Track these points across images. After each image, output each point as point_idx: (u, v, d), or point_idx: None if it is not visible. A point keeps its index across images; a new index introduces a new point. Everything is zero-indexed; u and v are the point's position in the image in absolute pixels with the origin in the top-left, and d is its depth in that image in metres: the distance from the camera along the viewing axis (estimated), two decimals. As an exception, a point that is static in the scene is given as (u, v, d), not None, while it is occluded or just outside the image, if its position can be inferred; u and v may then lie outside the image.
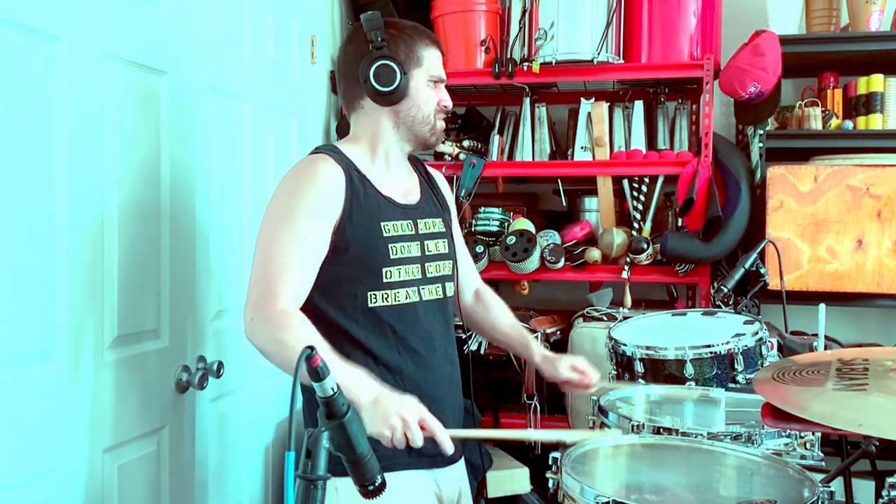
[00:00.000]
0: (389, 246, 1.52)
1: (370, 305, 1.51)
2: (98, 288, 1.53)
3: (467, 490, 1.70)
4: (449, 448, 1.32)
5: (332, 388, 0.98)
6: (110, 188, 1.57)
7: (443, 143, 2.67)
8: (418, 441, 1.28)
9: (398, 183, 1.61)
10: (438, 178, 1.78)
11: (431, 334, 1.58)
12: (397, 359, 1.52)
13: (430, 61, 1.58)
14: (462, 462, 1.67)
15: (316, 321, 1.42)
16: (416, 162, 1.73)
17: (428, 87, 1.58)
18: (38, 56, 1.38)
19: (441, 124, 1.62)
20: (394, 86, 1.52)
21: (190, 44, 1.82)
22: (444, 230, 1.66)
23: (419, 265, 1.57)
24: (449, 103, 1.61)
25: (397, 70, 1.51)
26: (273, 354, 1.39)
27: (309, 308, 1.46)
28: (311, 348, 0.94)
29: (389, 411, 1.28)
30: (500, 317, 1.82)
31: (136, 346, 1.65)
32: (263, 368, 2.17)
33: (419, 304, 1.56)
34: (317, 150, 1.58)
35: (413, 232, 1.58)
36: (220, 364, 1.86)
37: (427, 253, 1.59)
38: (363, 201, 1.51)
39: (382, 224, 1.53)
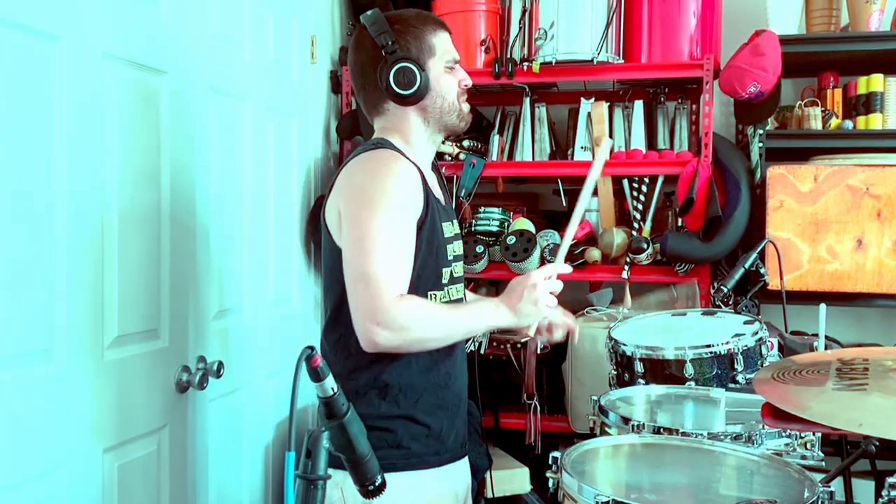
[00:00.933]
0: (447, 247, 1.55)
1: None
2: (98, 288, 1.53)
3: (470, 489, 1.71)
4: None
5: (332, 389, 0.98)
6: (110, 188, 1.57)
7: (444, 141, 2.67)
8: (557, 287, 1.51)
9: (434, 183, 1.61)
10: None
11: None
12: (435, 356, 1.53)
13: (441, 47, 1.56)
14: (466, 459, 1.68)
15: None
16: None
17: (446, 73, 1.57)
18: (38, 56, 1.38)
19: (466, 106, 1.61)
20: (416, 86, 1.51)
21: (190, 44, 1.82)
22: (459, 231, 1.67)
23: (455, 265, 1.60)
24: (468, 81, 1.60)
25: (416, 69, 1.50)
26: (417, 343, 1.44)
27: None
28: (311, 348, 0.94)
29: (531, 306, 1.46)
30: None
31: (137, 346, 1.65)
32: (263, 368, 2.18)
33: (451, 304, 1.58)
34: (378, 146, 1.53)
35: (454, 233, 1.61)
36: (220, 364, 1.86)
37: (456, 254, 1.61)
38: (433, 201, 1.52)
39: (443, 225, 1.55)
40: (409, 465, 1.49)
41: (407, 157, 1.52)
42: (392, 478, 1.38)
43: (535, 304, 1.46)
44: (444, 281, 1.54)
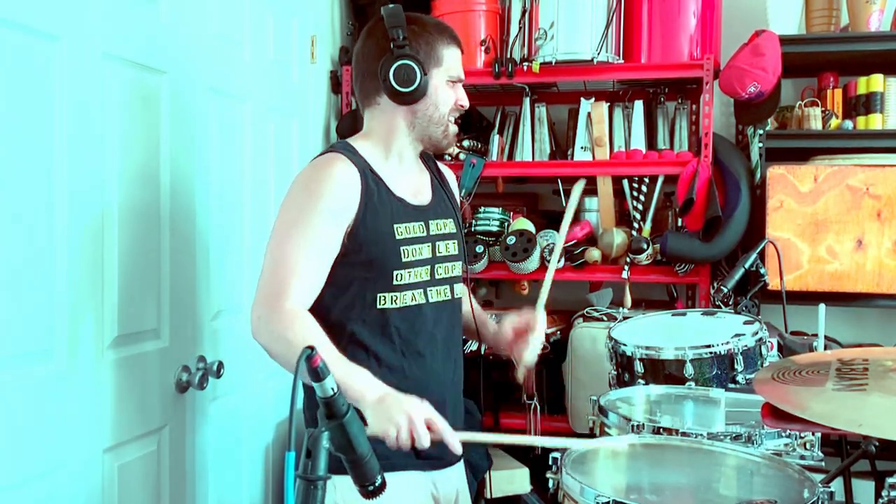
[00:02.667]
0: (402, 249, 1.52)
1: (378, 307, 1.51)
2: (98, 288, 1.53)
3: (465, 491, 1.69)
4: (457, 449, 1.32)
5: (332, 389, 0.98)
6: (110, 188, 1.57)
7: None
8: (424, 442, 1.28)
9: (410, 182, 1.60)
10: (450, 176, 1.77)
11: (435, 336, 1.57)
12: (400, 360, 1.52)
13: (449, 61, 1.57)
14: (461, 464, 1.66)
15: (321, 321, 1.42)
16: (427, 159, 1.71)
17: (447, 86, 1.57)
18: (38, 56, 1.38)
19: (454, 128, 1.60)
20: (414, 86, 1.51)
21: (190, 44, 1.82)
22: (454, 231, 1.65)
23: (429, 267, 1.57)
24: (465, 102, 1.61)
25: (418, 70, 1.50)
26: (279, 353, 1.40)
27: (315, 308, 1.46)
28: (311, 348, 0.94)
29: (394, 410, 1.28)
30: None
31: (137, 345, 1.65)
32: (263, 368, 2.17)
33: (426, 306, 1.56)
34: (332, 149, 1.56)
35: (425, 233, 1.57)
36: (220, 364, 1.86)
37: (438, 254, 1.59)
38: (377, 203, 1.51)
39: (395, 226, 1.52)
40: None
41: (360, 157, 1.52)
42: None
43: (391, 421, 1.27)
44: (397, 282, 1.51)
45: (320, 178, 1.48)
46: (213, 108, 1.93)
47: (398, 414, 1.27)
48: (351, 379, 1.32)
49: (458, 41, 1.60)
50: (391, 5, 1.54)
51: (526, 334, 1.66)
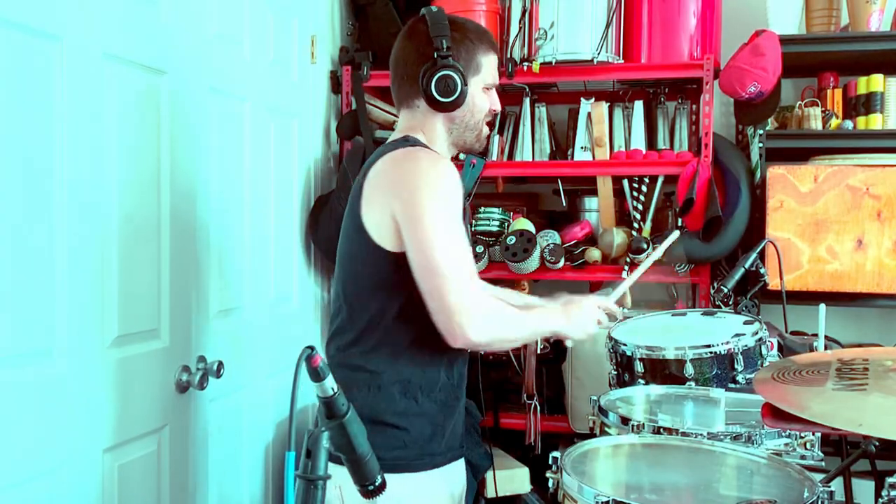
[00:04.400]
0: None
1: None
2: (98, 288, 1.53)
3: (465, 489, 1.71)
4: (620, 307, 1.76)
5: (332, 389, 0.98)
6: (110, 188, 1.57)
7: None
8: (607, 321, 1.67)
9: None
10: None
11: None
12: (456, 355, 1.55)
13: (487, 69, 1.57)
14: (462, 459, 1.68)
15: (384, 322, 1.46)
16: None
17: (482, 93, 1.57)
18: (38, 56, 1.38)
19: (486, 130, 1.62)
20: (454, 96, 1.51)
21: (190, 44, 1.82)
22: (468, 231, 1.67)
23: None
24: (498, 107, 1.62)
25: (459, 81, 1.50)
26: (503, 340, 1.51)
27: (404, 303, 1.46)
28: (311, 348, 0.94)
29: (583, 318, 1.58)
30: (510, 297, 1.82)
31: (137, 345, 1.65)
32: (263, 368, 2.18)
33: None
34: (413, 144, 1.52)
35: (470, 234, 1.61)
36: (220, 364, 1.86)
37: None
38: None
39: (467, 227, 1.56)
40: (422, 465, 1.50)
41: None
42: (406, 479, 1.39)
43: (587, 322, 1.59)
44: None
45: (443, 174, 1.45)
46: (213, 108, 1.93)
47: (587, 319, 1.59)
48: (549, 324, 1.57)
49: (496, 47, 1.60)
50: (434, 8, 1.53)
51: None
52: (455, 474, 1.61)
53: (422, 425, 1.50)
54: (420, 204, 1.40)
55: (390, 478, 1.09)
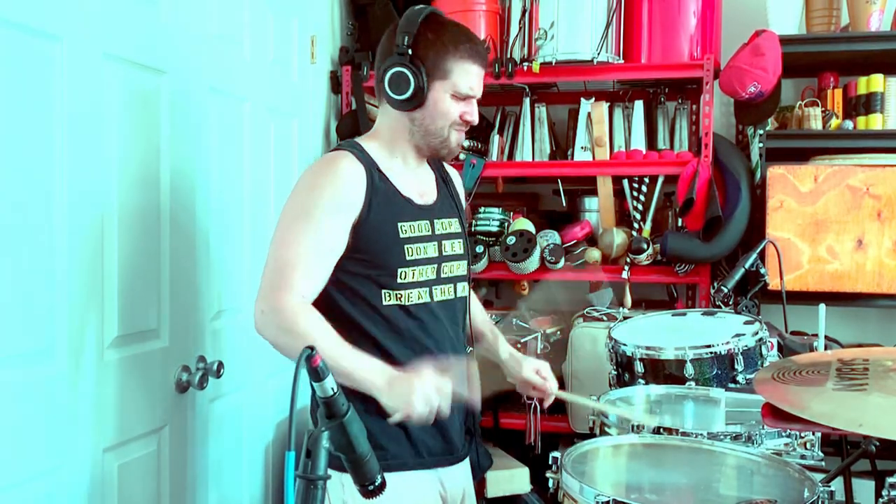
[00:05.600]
0: (406, 247, 1.52)
1: (384, 304, 1.51)
2: (98, 288, 1.53)
3: (471, 490, 1.70)
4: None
5: (332, 389, 0.98)
6: (110, 188, 1.57)
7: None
8: (444, 411, 1.36)
9: (416, 182, 1.61)
10: (454, 176, 1.77)
11: (441, 334, 1.58)
12: (410, 357, 1.52)
13: (458, 76, 1.51)
14: (467, 462, 1.67)
15: (332, 317, 1.43)
16: (432, 159, 1.70)
17: (451, 99, 1.53)
18: (38, 56, 1.38)
19: (456, 137, 1.57)
20: (406, 94, 1.49)
21: (190, 44, 1.82)
22: (459, 230, 1.66)
23: (435, 266, 1.57)
24: (472, 118, 1.56)
25: (412, 79, 1.48)
26: (285, 346, 1.40)
27: (326, 304, 1.47)
28: (311, 348, 0.94)
29: (405, 390, 1.33)
30: (476, 312, 1.81)
31: (137, 345, 1.65)
32: (263, 368, 2.18)
33: (431, 305, 1.56)
34: (339, 147, 1.57)
35: (430, 233, 1.58)
36: (220, 364, 1.86)
37: (444, 254, 1.59)
38: (382, 201, 1.51)
39: (399, 225, 1.52)
40: (386, 467, 1.48)
41: (367, 155, 1.53)
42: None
43: (410, 396, 1.33)
44: (402, 280, 1.51)
45: (325, 174, 1.49)
46: (213, 108, 1.93)
47: (410, 393, 1.33)
48: (360, 370, 1.37)
49: (479, 57, 1.54)
50: (418, 7, 1.53)
51: (538, 389, 1.69)
52: (435, 480, 1.58)
53: (383, 428, 1.46)
54: (293, 199, 1.50)
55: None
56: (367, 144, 1.57)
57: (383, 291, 1.51)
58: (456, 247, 1.62)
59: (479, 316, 1.81)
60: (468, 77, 1.53)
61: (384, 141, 1.58)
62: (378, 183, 1.51)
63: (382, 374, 1.37)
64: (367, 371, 1.37)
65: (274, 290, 1.41)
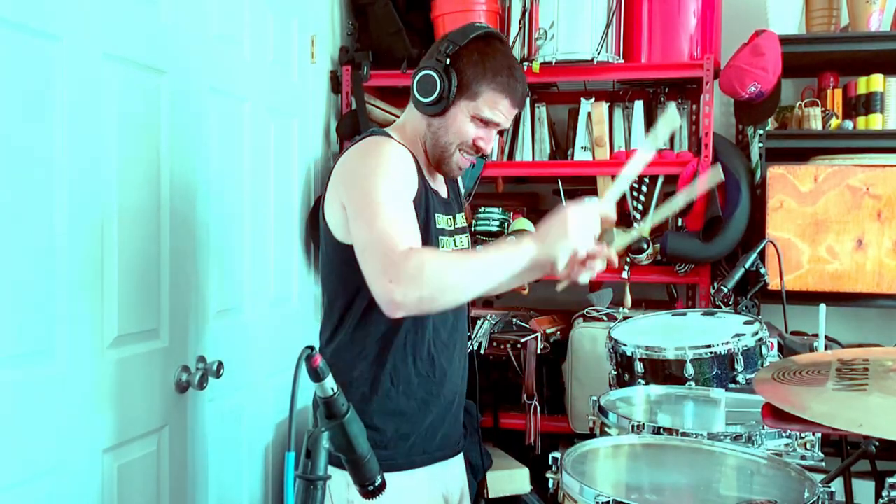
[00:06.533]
0: (439, 238, 1.53)
1: None
2: (98, 288, 1.53)
3: (466, 490, 1.71)
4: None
5: (332, 389, 0.98)
6: (110, 188, 1.57)
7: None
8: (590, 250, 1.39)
9: (433, 176, 1.61)
10: None
11: (453, 326, 1.60)
12: (433, 349, 1.54)
13: (485, 102, 1.49)
14: (461, 458, 1.67)
15: (355, 310, 1.46)
16: None
17: (471, 121, 1.51)
18: (38, 56, 1.38)
19: (460, 160, 1.54)
20: (429, 99, 1.49)
21: (190, 44, 1.82)
22: (464, 225, 1.67)
23: None
24: (486, 147, 1.54)
25: (439, 86, 1.47)
26: (441, 294, 1.31)
27: (348, 297, 1.48)
28: (311, 348, 0.94)
29: (561, 228, 1.33)
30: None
31: (137, 345, 1.65)
32: (263, 368, 2.18)
33: None
34: (373, 133, 1.54)
35: (451, 227, 1.60)
36: (220, 364, 1.86)
37: (456, 248, 1.61)
38: (424, 189, 1.51)
39: (436, 216, 1.54)
40: (397, 466, 1.49)
41: (403, 144, 1.52)
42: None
43: (565, 234, 1.33)
44: None
45: (379, 153, 1.44)
46: (213, 108, 1.93)
47: (566, 228, 1.33)
48: (505, 251, 1.34)
49: (513, 93, 1.50)
50: (479, 24, 1.54)
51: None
52: (443, 475, 1.59)
53: (396, 426, 1.50)
54: (358, 183, 1.41)
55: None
56: (395, 135, 1.56)
57: None
58: (464, 242, 1.65)
59: None
60: (495, 107, 1.51)
61: (406, 135, 1.58)
62: (419, 169, 1.52)
63: (528, 235, 1.36)
64: (512, 245, 1.34)
65: (383, 264, 1.30)
